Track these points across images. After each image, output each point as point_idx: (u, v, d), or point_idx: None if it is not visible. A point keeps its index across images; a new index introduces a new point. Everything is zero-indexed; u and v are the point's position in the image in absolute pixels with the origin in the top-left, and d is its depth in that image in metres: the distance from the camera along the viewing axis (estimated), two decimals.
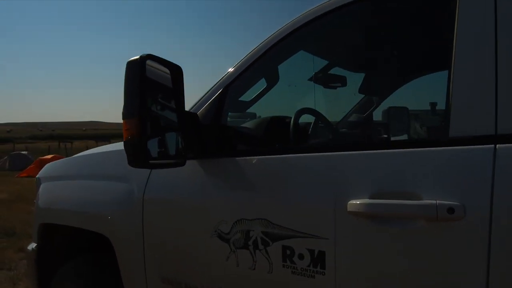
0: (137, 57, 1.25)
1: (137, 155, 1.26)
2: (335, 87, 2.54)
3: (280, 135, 1.75)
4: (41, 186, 2.47)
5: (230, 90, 1.63)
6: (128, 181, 1.83)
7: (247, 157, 1.45)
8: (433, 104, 2.19)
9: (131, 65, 1.24)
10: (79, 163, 2.30)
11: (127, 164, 1.32)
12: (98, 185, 1.99)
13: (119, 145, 2.19)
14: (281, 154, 1.40)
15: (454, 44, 1.14)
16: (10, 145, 44.79)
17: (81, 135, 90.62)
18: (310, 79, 2.31)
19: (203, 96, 1.69)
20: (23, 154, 24.88)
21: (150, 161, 1.26)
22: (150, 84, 1.28)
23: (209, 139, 1.56)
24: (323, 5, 1.49)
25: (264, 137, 1.73)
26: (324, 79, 2.43)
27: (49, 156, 20.78)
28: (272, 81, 1.87)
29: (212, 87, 1.67)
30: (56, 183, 2.36)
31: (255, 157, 1.43)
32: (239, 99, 1.78)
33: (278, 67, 1.81)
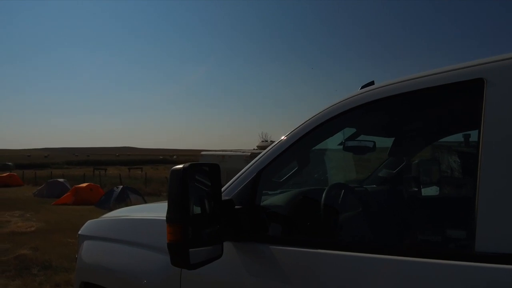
0: (180, 166, 1.38)
1: (179, 258, 1.37)
2: (365, 153, 2.60)
3: (311, 214, 1.81)
4: (84, 243, 2.60)
5: (264, 174, 1.73)
6: (167, 253, 1.94)
7: (280, 247, 1.53)
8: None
9: (174, 174, 1.38)
10: (121, 227, 2.41)
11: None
12: (138, 253, 2.10)
13: (160, 209, 2.31)
14: (313, 248, 1.47)
15: (479, 167, 1.19)
16: (47, 171, 46.35)
17: (114, 160, 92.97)
18: (340, 144, 2.38)
19: (237, 178, 1.79)
20: (60, 181, 25.74)
21: (191, 263, 1.36)
22: (192, 184, 1.40)
23: (244, 222, 1.65)
24: (364, 95, 1.60)
25: (297, 218, 1.80)
26: (353, 146, 2.50)
27: (84, 185, 21.47)
28: (304, 164, 1.97)
29: (246, 170, 1.78)
30: (98, 243, 2.49)
31: (288, 248, 1.51)
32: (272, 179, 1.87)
33: (310, 151, 1.90)
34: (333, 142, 2.36)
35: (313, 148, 1.90)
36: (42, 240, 10.28)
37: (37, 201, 20.98)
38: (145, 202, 17.83)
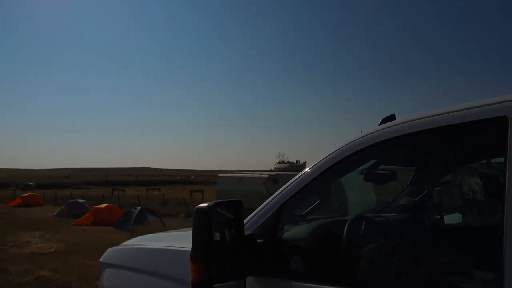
0: (205, 205, 1.41)
1: None
2: (385, 183, 2.59)
3: (333, 249, 1.80)
4: (105, 271, 2.62)
5: (286, 208, 1.74)
6: (189, 285, 1.94)
7: (303, 283, 1.53)
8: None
9: (199, 212, 1.41)
10: (142, 256, 2.42)
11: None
12: (159, 284, 2.10)
13: (180, 238, 2.31)
14: (335, 286, 1.46)
15: (505, 209, 1.18)
16: (68, 191, 47.10)
17: (132, 181, 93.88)
18: (360, 174, 2.38)
19: (259, 211, 1.80)
20: (80, 202, 26.11)
21: None
22: (216, 221, 1.43)
23: (266, 257, 1.66)
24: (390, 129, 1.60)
25: (318, 253, 1.79)
26: (374, 176, 2.49)
27: (103, 205, 21.73)
28: (325, 198, 1.97)
29: (268, 203, 1.79)
30: (119, 272, 2.50)
31: (310, 285, 1.50)
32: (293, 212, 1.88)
33: (331, 185, 1.91)
34: (353, 172, 2.36)
35: (335, 182, 1.91)
36: (62, 261, 10.39)
37: (57, 221, 21.27)
38: (163, 224, 17.90)
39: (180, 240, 2.31)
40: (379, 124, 1.83)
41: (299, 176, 1.75)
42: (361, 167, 2.27)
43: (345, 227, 1.82)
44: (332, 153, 1.70)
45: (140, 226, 16.25)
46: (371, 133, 1.65)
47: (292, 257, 1.72)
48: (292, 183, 1.76)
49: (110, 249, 2.81)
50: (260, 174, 21.49)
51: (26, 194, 36.97)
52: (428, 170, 2.66)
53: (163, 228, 15.80)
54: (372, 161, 2.39)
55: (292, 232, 1.96)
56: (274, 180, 19.72)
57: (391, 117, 1.91)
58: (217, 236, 1.46)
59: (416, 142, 1.65)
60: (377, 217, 2.57)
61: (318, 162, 1.72)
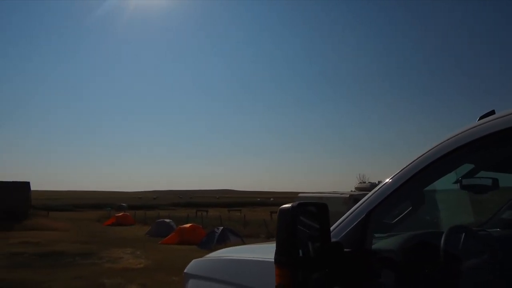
0: (289, 205, 1.35)
1: None
2: (485, 192, 2.33)
3: (429, 262, 1.63)
4: (189, 282, 2.64)
5: (374, 215, 1.61)
6: None
7: None
8: None
9: (283, 213, 1.34)
10: (226, 267, 2.38)
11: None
12: None
13: (263, 250, 2.25)
14: None
15: None
16: (155, 212, 49.90)
17: (215, 202, 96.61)
18: (456, 183, 2.16)
19: (345, 219, 1.69)
20: (167, 222, 27.40)
21: None
22: (301, 225, 1.35)
23: (354, 267, 1.54)
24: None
25: (412, 265, 1.63)
26: (472, 184, 2.25)
27: (187, 225, 22.56)
28: (418, 204, 1.81)
29: (354, 210, 1.68)
30: (203, 283, 2.50)
31: None
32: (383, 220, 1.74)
33: (424, 190, 1.74)
34: (448, 180, 2.15)
35: (428, 187, 1.73)
36: (150, 277, 10.91)
37: (146, 239, 22.52)
38: (244, 244, 18.08)
39: (262, 251, 2.26)
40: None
41: (387, 181, 1.62)
42: (456, 175, 2.07)
43: (442, 239, 1.64)
44: (424, 154, 1.55)
45: (222, 245, 16.55)
46: (468, 129, 1.47)
47: (383, 269, 1.57)
48: (379, 188, 1.63)
49: (194, 261, 2.84)
50: (341, 194, 20.87)
51: (119, 214, 39.75)
52: None
53: None
54: (470, 167, 2.17)
55: (382, 242, 1.81)
56: (355, 199, 18.97)
57: (491, 114, 1.70)
58: (301, 240, 1.37)
59: None
60: (480, 231, 2.31)
61: (409, 165, 1.58)
